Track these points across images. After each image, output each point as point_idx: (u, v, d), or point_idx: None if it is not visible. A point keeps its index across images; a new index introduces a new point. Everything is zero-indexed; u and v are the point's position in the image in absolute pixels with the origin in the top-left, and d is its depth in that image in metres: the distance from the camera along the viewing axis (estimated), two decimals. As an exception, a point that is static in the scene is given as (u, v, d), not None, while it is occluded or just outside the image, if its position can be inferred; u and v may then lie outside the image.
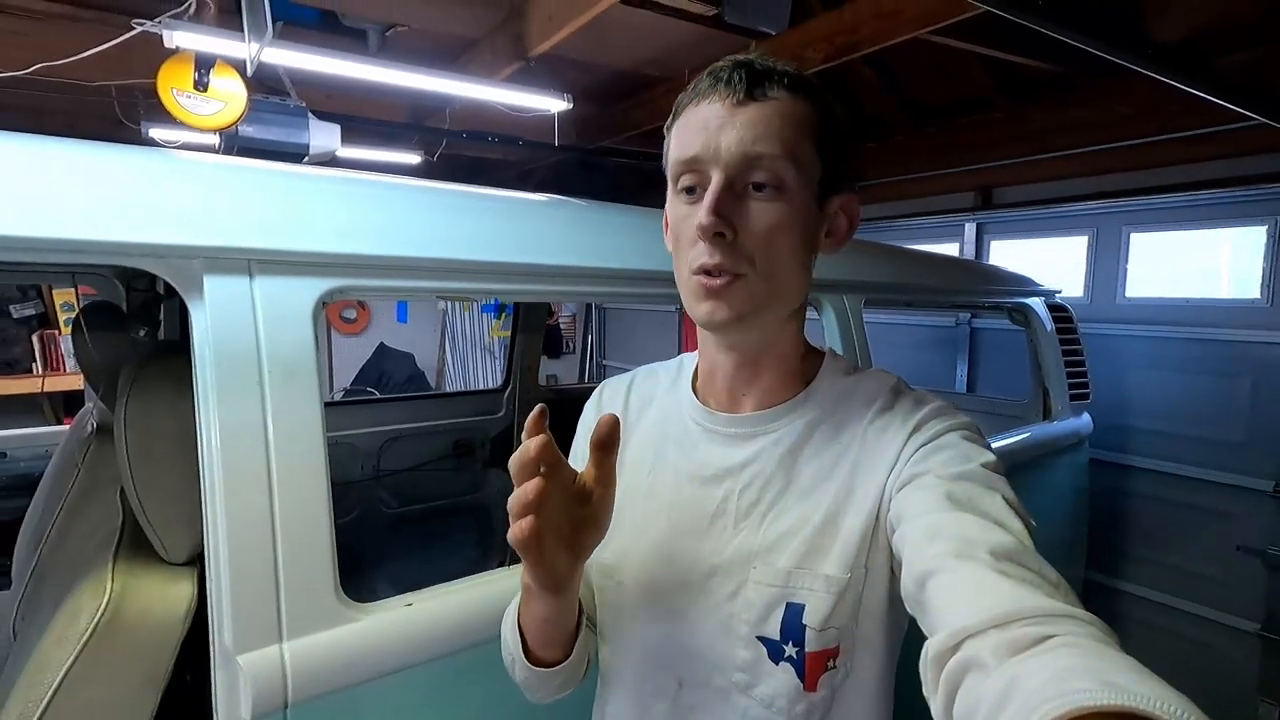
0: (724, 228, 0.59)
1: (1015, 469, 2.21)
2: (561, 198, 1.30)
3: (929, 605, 0.50)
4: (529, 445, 0.54)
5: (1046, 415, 2.44)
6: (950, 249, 3.67)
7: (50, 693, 0.77)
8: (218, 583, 0.77)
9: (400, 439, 2.52)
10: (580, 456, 0.80)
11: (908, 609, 0.55)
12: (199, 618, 0.86)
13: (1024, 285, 2.44)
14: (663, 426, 0.75)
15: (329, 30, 2.84)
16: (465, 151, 4.14)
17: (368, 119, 3.40)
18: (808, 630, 0.62)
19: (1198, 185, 2.74)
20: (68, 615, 0.81)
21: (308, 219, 0.89)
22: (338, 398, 5.20)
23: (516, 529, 0.53)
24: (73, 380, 3.98)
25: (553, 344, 6.28)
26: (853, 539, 0.62)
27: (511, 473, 0.55)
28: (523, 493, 0.53)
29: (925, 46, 2.72)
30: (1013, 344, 3.25)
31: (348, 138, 2.96)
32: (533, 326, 2.81)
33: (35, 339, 4.10)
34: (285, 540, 0.80)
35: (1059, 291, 2.59)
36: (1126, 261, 2.97)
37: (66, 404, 4.18)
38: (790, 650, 0.63)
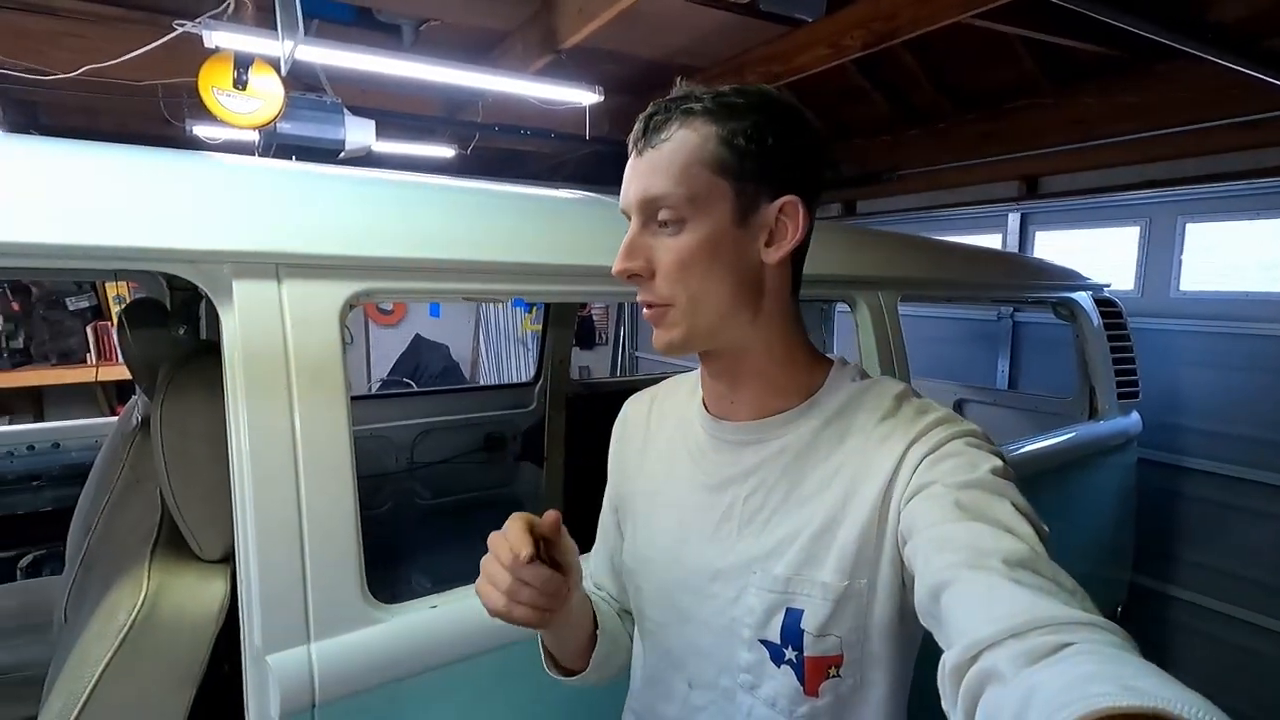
0: (636, 269, 0.65)
1: (1058, 470, 2.15)
2: (590, 194, 1.29)
3: (944, 618, 0.50)
4: (519, 551, 0.59)
5: (1093, 414, 2.35)
6: (992, 240, 3.55)
7: (90, 686, 0.79)
8: (247, 584, 0.78)
9: (433, 432, 2.55)
10: (610, 497, 0.86)
11: (922, 622, 0.55)
12: (233, 613, 0.88)
13: (1070, 279, 2.35)
14: (679, 436, 0.78)
15: (364, 26, 2.86)
16: (498, 145, 4.16)
17: (402, 114, 3.43)
18: (806, 635, 0.64)
19: (1258, 173, 2.60)
20: (107, 611, 0.83)
21: (334, 223, 0.89)
22: (375, 388, 5.30)
23: (491, 607, 0.62)
24: (124, 370, 4.12)
25: (586, 336, 6.30)
26: (849, 547, 0.63)
27: (493, 548, 0.62)
28: (498, 581, 0.61)
29: (968, 30, 2.63)
30: (1058, 339, 3.14)
31: (382, 132, 3.00)
32: (564, 321, 2.81)
33: (89, 330, 4.26)
34: (313, 543, 0.81)
35: (1108, 285, 2.48)
36: (1181, 253, 2.84)
37: (119, 393, 4.34)
38: (790, 654, 0.65)
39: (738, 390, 0.71)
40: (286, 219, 0.86)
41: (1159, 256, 2.90)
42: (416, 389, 4.53)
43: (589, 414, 2.83)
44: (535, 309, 5.46)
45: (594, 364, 6.38)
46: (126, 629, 0.81)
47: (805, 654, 0.64)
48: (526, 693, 0.99)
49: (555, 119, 3.50)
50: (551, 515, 0.63)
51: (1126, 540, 2.53)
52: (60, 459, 2.05)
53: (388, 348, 5.54)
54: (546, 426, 2.81)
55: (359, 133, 2.67)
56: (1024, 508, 0.56)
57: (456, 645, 0.91)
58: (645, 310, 0.67)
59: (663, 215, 0.64)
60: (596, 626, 0.78)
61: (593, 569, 0.89)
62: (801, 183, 0.65)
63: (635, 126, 0.66)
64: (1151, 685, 0.35)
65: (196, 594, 0.88)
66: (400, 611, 0.88)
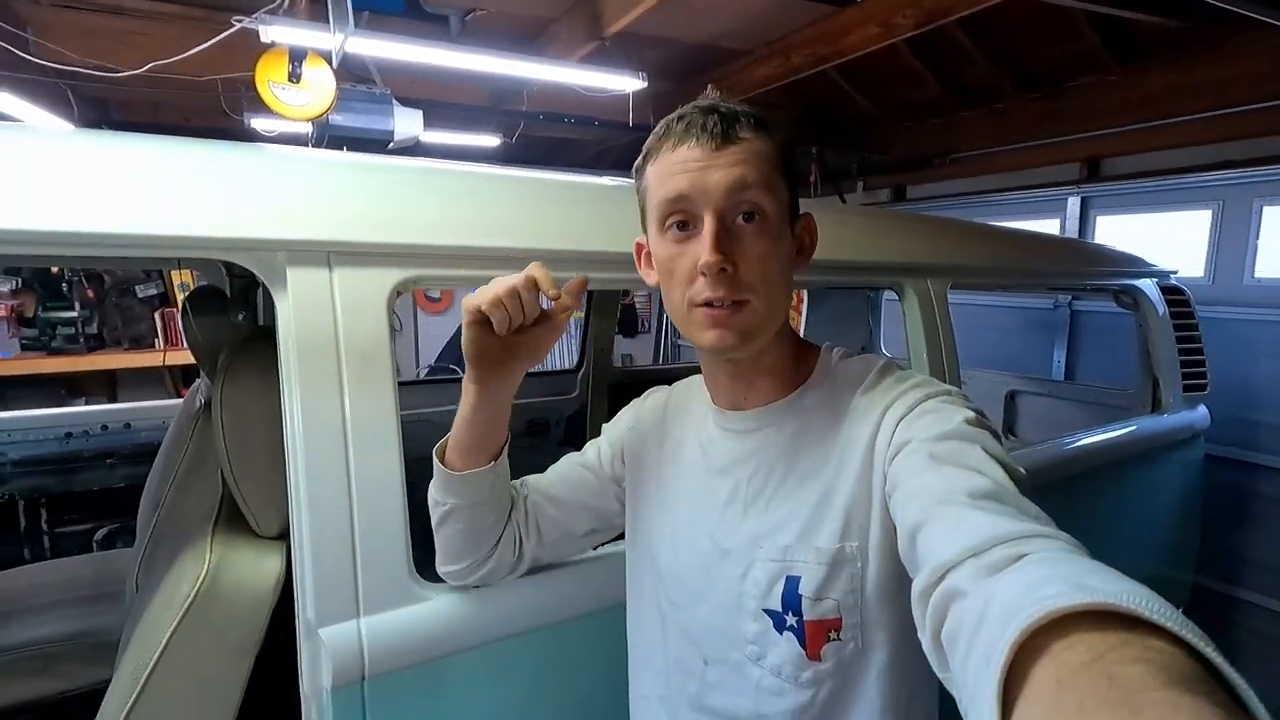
0: (726, 263, 0.64)
1: (1117, 465, 2.06)
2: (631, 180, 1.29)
3: (917, 556, 0.52)
4: (546, 289, 0.71)
5: (1155, 408, 2.25)
6: (1050, 226, 3.42)
7: (158, 653, 0.84)
8: (301, 561, 0.82)
9: (478, 417, 2.60)
10: (604, 447, 0.91)
11: (908, 572, 0.56)
12: (289, 586, 0.91)
13: (1134, 266, 2.25)
14: (690, 431, 0.82)
15: (412, 17, 2.91)
16: (542, 133, 4.19)
17: (449, 104, 3.48)
18: (804, 600, 0.67)
19: (1347, 152, 2.44)
20: (172, 583, 0.88)
21: (382, 211, 0.91)
22: (423, 374, 5.43)
23: (474, 299, 0.69)
24: (189, 355, 4.31)
25: (628, 324, 6.32)
26: (840, 514, 0.67)
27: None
28: (498, 288, 0.69)
29: (1026, 6, 2.52)
30: (1119, 328, 3.01)
31: (430, 122, 3.05)
32: (606, 309, 2.83)
33: (158, 317, 4.47)
34: (362, 522, 0.84)
35: (1174, 272, 2.36)
36: (1257, 238, 2.68)
37: (185, 377, 4.55)
38: (791, 620, 0.68)
39: (753, 386, 0.75)
40: (337, 208, 0.88)
41: (1232, 241, 2.75)
42: (462, 375, 4.61)
43: (628, 400, 2.84)
44: None
45: (636, 352, 6.39)
46: (190, 600, 0.85)
47: (804, 618, 0.67)
48: (566, 671, 1.01)
49: (598, 106, 3.50)
50: (578, 279, 0.75)
51: (1190, 539, 2.41)
52: (131, 438, 2.16)
53: (436, 335, 5.66)
54: (589, 413, 2.84)
55: (407, 123, 2.72)
56: (995, 451, 0.58)
57: (497, 624, 0.92)
58: (707, 309, 0.66)
59: (747, 207, 0.66)
60: (495, 461, 0.81)
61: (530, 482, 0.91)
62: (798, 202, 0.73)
63: (691, 120, 0.67)
64: (1101, 582, 0.36)
65: (255, 568, 0.92)
66: (445, 590, 0.90)
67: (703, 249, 0.65)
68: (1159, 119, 2.89)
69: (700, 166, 0.65)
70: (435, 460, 0.82)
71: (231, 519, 1.00)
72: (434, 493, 0.82)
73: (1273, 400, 2.64)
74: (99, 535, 2.12)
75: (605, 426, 0.97)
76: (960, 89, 3.66)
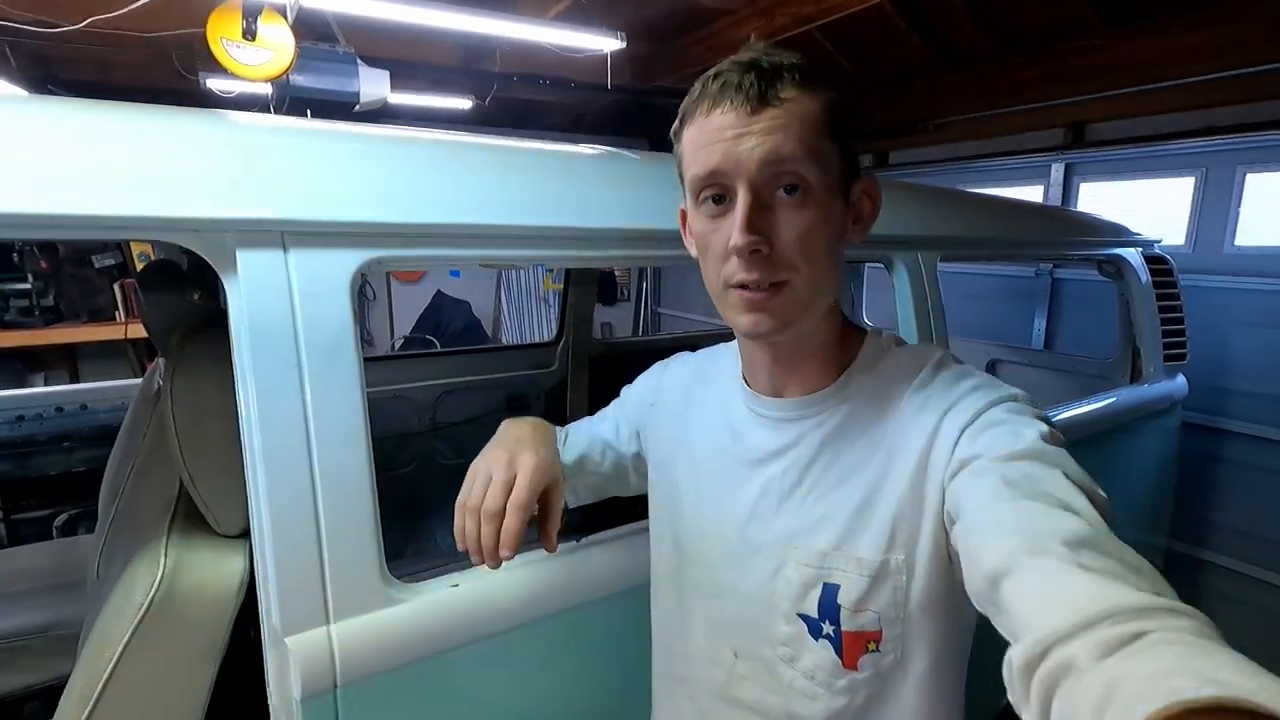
0: (760, 244, 0.59)
1: (1097, 435, 2.07)
2: (615, 150, 1.22)
3: (1006, 608, 0.47)
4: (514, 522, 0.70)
5: (1135, 377, 2.25)
6: (1034, 193, 3.39)
7: (113, 663, 0.78)
8: (264, 566, 0.76)
9: (455, 392, 2.54)
10: (621, 424, 0.90)
11: (979, 608, 0.52)
12: (255, 587, 0.86)
13: (1119, 235, 2.23)
14: (719, 411, 0.77)
15: (376, -30, 2.74)
16: (516, 96, 4.03)
17: (417, 63, 3.33)
18: (843, 610, 0.64)
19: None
20: (125, 589, 0.82)
21: (343, 186, 0.84)
22: (398, 345, 5.32)
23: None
24: (152, 328, 4.16)
25: (607, 292, 6.23)
26: (885, 523, 0.62)
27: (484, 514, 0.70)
28: (491, 539, 0.69)
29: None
30: (1098, 296, 3.01)
31: (397, 84, 2.90)
32: (586, 280, 2.75)
33: (117, 288, 4.29)
34: (329, 522, 0.79)
35: (1159, 241, 2.35)
36: (1239, 206, 2.67)
37: (150, 350, 4.39)
38: (828, 628, 0.65)
39: (795, 371, 0.69)
40: (293, 183, 0.80)
41: (1214, 209, 2.74)
42: (439, 348, 4.52)
43: (612, 374, 2.78)
44: (555, 269, 5.39)
45: (616, 320, 6.33)
46: (145, 608, 0.79)
47: (842, 629, 0.64)
48: (552, 670, 0.97)
49: (575, 67, 3.37)
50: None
51: (1164, 507, 2.45)
52: (89, 420, 2.07)
53: (410, 305, 5.54)
54: (569, 387, 2.78)
55: (373, 84, 2.59)
56: (1078, 476, 0.53)
57: (479, 624, 0.88)
58: (743, 291, 0.61)
59: (788, 180, 0.59)
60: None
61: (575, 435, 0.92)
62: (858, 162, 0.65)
63: (726, 80, 0.59)
64: (1235, 677, 0.33)
65: (216, 569, 0.86)
66: (421, 591, 0.86)
67: (733, 228, 0.59)
68: (1144, 84, 2.84)
69: (734, 135, 0.58)
70: None
71: (190, 515, 0.94)
72: None
73: (1245, 367, 2.66)
74: (59, 521, 2.04)
75: (625, 391, 0.94)
76: (945, 51, 3.58)
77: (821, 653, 0.66)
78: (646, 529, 1.08)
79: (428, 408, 2.50)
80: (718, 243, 0.62)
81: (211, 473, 0.88)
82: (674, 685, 0.81)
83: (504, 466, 0.72)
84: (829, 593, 0.64)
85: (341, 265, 0.82)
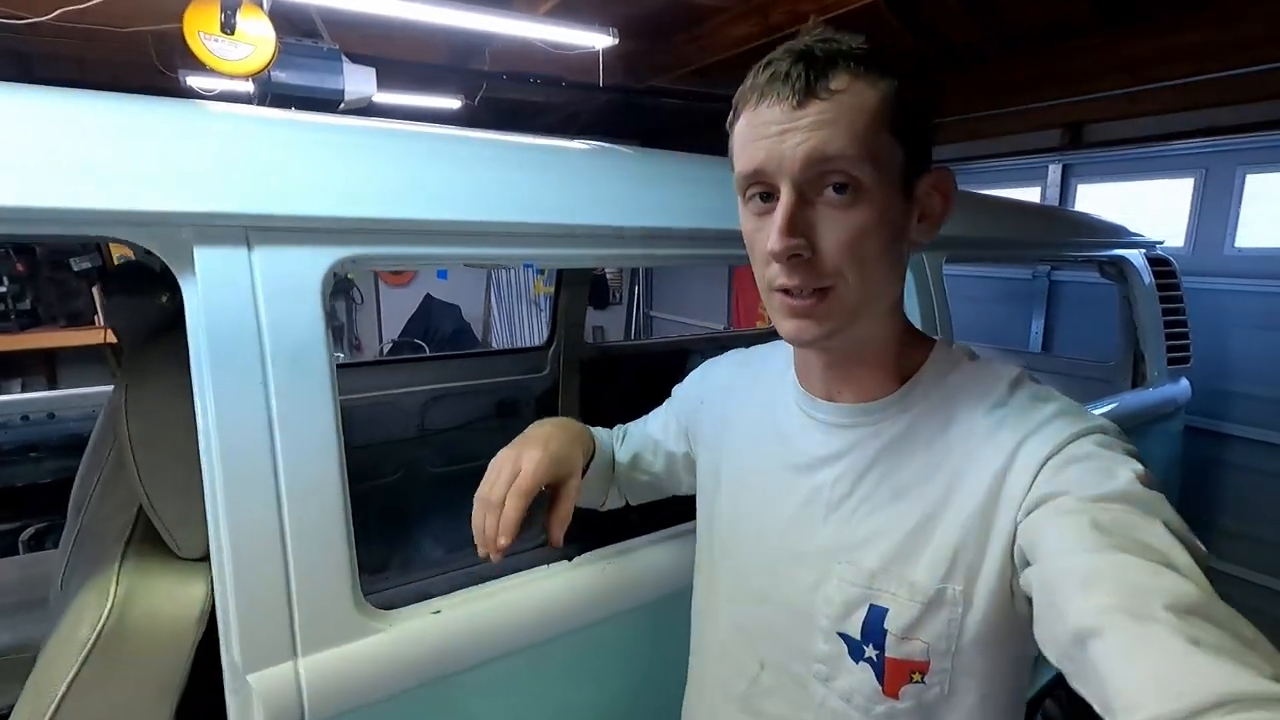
0: (800, 248, 0.55)
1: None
2: (605, 145, 1.15)
3: (1097, 674, 0.43)
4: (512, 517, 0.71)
5: (1139, 381, 2.21)
6: (1031, 194, 3.36)
7: (53, 707, 0.71)
8: (223, 595, 0.69)
9: (443, 398, 2.46)
10: (670, 421, 0.89)
11: (1052, 660, 0.48)
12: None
13: (1121, 236, 2.18)
14: (768, 411, 0.74)
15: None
16: (506, 95, 3.96)
17: (405, 61, 3.25)
18: (889, 636, 0.60)
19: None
20: (72, 620, 0.75)
21: (315, 179, 0.77)
22: (387, 349, 5.23)
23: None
24: (132, 332, 4.05)
25: (599, 295, 6.17)
26: (945, 549, 0.58)
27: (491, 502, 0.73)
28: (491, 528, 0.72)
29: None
30: (1096, 298, 2.97)
31: (384, 82, 2.83)
32: (577, 283, 2.68)
33: (96, 291, 4.18)
34: (296, 545, 0.72)
35: (1161, 242, 2.31)
36: (1239, 207, 2.64)
37: (129, 355, 4.28)
38: (870, 652, 0.61)
39: (851, 376, 0.65)
40: (258, 174, 0.74)
41: (1214, 210, 2.71)
42: (429, 352, 4.44)
43: (604, 379, 2.72)
44: (547, 270, 5.32)
45: (608, 324, 6.26)
46: (91, 642, 0.72)
47: (886, 655, 0.60)
48: (547, 702, 0.90)
49: (566, 66, 3.31)
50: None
51: (1168, 512, 2.41)
52: (57, 429, 1.98)
53: (399, 308, 5.45)
54: (560, 392, 2.71)
55: (359, 81, 2.51)
56: (1178, 527, 0.48)
57: (464, 653, 0.82)
58: (785, 296, 0.58)
59: (837, 179, 0.54)
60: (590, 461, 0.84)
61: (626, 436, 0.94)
62: (931, 154, 0.60)
63: (775, 70, 0.55)
64: None
65: (174, 597, 0.79)
66: (399, 619, 0.79)
67: (772, 230, 0.55)
68: (1145, 84, 2.81)
69: (779, 131, 0.54)
70: None
71: (150, 536, 0.86)
72: None
73: (1247, 371, 2.63)
74: (25, 535, 1.94)
75: (675, 389, 0.93)
76: (942, 51, 3.54)
77: (861, 676, 0.62)
78: (648, 544, 1.02)
79: (414, 414, 2.42)
80: (761, 243, 0.58)
81: (171, 490, 0.80)
82: (701, 685, 0.80)
83: (511, 461, 0.74)
84: (875, 615, 0.60)
85: (311, 264, 0.75)
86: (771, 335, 0.70)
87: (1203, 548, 0.48)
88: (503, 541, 0.70)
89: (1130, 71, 2.86)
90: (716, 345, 2.77)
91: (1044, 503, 0.52)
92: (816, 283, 0.56)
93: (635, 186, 1.05)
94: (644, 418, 0.96)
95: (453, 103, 3.78)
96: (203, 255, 0.69)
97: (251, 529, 0.69)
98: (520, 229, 0.89)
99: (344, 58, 2.50)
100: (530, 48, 2.77)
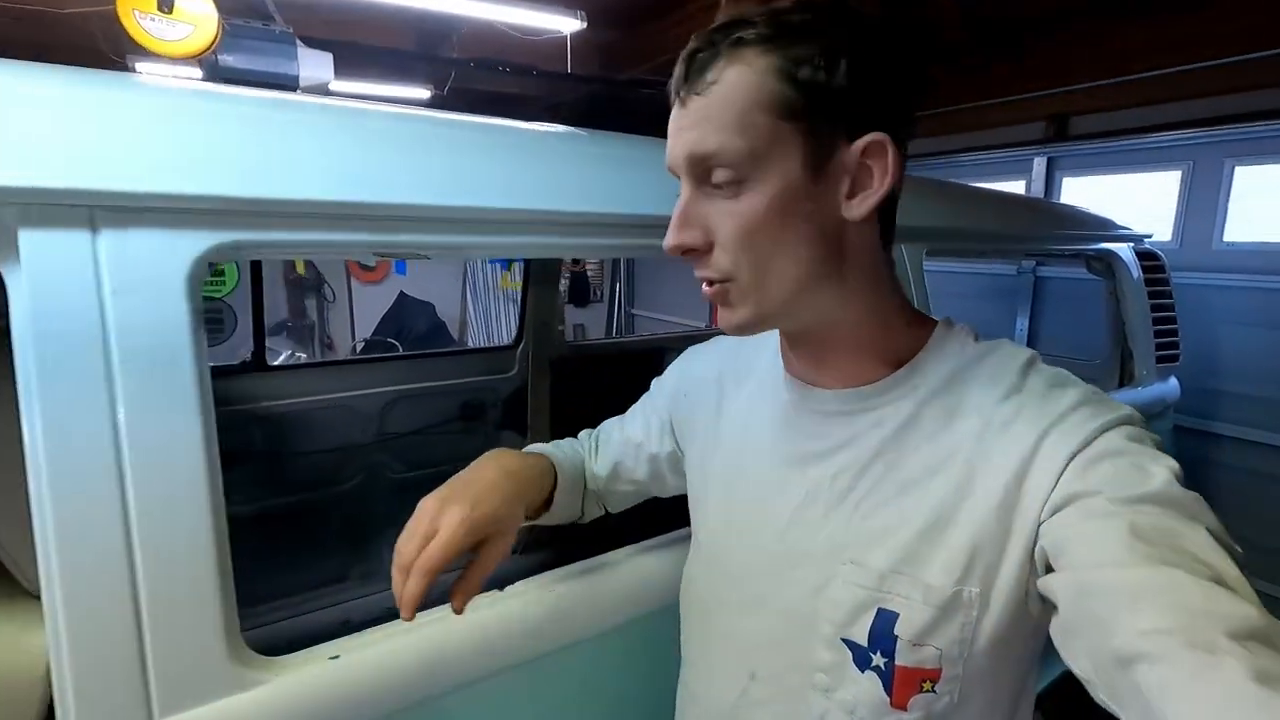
0: (691, 242, 0.56)
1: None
2: (552, 126, 1.05)
3: (1145, 703, 0.40)
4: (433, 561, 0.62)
5: (1127, 379, 2.13)
6: (1015, 187, 3.28)
7: None
8: (56, 646, 0.58)
9: (403, 400, 2.35)
10: (651, 419, 0.84)
11: (1078, 670, 0.46)
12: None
13: (1108, 229, 2.10)
14: (759, 401, 0.70)
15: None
16: (480, 86, 3.83)
17: (367, 47, 3.12)
18: (899, 642, 0.56)
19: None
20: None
21: (183, 149, 0.65)
22: (359, 348, 5.09)
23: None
24: None
25: (580, 293, 6.06)
26: (961, 550, 0.54)
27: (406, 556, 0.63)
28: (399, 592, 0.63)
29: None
30: (1083, 295, 2.90)
31: (346, 69, 2.70)
32: (547, 278, 2.57)
33: None
34: (152, 584, 0.60)
35: (1149, 236, 2.23)
36: (1228, 200, 2.57)
37: None
38: (878, 660, 0.57)
39: (824, 359, 0.62)
40: (108, 143, 0.62)
41: (1202, 203, 2.64)
42: (401, 351, 4.31)
43: (576, 378, 2.62)
44: (515, 264, 5.19)
45: (589, 322, 6.15)
46: (-98, 705, 0.61)
47: (896, 662, 0.56)
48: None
49: (539, 54, 3.19)
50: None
51: (1156, 515, 2.34)
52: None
53: (372, 306, 5.30)
54: (529, 393, 2.60)
55: (314, 66, 2.38)
56: (1220, 532, 0.45)
57: (364, 707, 0.70)
58: (705, 287, 0.58)
59: (718, 176, 0.54)
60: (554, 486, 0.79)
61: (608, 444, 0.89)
62: (888, 115, 0.54)
63: (676, 69, 0.56)
64: None
65: (18, 643, 0.67)
66: (288, 668, 0.68)
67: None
68: (1131, 75, 2.74)
69: (674, 130, 0.56)
70: None
71: None
72: None
73: (1236, 369, 2.56)
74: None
75: (655, 382, 0.88)
76: (926, 42, 3.46)
77: (867, 686, 0.58)
78: (590, 570, 0.92)
79: (373, 418, 2.30)
80: None
81: (13, 518, 0.69)
82: (687, 700, 0.75)
83: (430, 518, 0.65)
84: (884, 620, 0.56)
85: (174, 252, 0.64)
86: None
87: (1239, 550, 0.45)
88: (405, 616, 0.62)
89: (1118, 62, 2.79)
90: (691, 343, 2.65)
91: (1072, 503, 0.49)
92: (713, 274, 0.56)
93: (584, 169, 0.94)
94: (620, 418, 0.90)
95: (421, 92, 3.65)
96: (30, 240, 0.58)
97: (91, 565, 0.58)
98: (440, 214, 0.78)
99: (298, 41, 2.37)
100: (500, 34, 2.66)
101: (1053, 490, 0.50)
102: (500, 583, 0.85)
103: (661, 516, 0.99)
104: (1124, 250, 2.09)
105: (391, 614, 0.72)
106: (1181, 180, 2.69)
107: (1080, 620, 0.46)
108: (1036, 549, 0.51)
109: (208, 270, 0.67)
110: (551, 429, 2.58)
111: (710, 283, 0.57)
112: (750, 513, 0.67)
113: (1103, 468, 0.48)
